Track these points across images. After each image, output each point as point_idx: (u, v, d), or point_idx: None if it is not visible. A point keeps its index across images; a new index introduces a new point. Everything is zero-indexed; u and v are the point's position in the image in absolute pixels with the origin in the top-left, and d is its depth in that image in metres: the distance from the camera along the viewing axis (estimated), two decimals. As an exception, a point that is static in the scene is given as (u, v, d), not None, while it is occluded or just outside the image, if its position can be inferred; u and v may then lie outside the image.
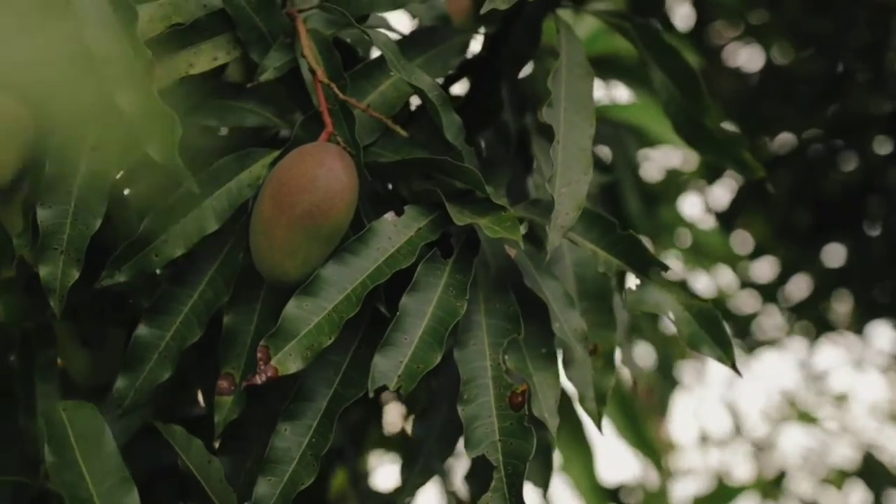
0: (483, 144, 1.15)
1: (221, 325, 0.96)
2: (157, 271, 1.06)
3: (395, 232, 0.91)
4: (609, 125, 1.81)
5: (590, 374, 1.00)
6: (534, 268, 0.96)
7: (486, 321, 0.93)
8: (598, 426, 0.99)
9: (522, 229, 0.93)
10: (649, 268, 0.97)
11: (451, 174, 0.93)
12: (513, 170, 1.14)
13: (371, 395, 0.84)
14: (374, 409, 1.59)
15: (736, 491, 2.48)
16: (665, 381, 2.21)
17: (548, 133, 1.17)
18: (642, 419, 1.81)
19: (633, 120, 1.83)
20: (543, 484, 1.08)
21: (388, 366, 0.86)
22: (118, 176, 0.98)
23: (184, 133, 0.92)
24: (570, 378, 1.01)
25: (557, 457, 1.72)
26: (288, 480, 0.87)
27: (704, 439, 3.01)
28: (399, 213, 0.92)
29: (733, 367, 0.96)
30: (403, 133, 0.92)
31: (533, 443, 0.88)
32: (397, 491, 1.05)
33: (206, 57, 0.96)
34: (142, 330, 0.97)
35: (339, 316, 0.86)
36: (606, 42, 1.62)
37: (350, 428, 1.41)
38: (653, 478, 2.31)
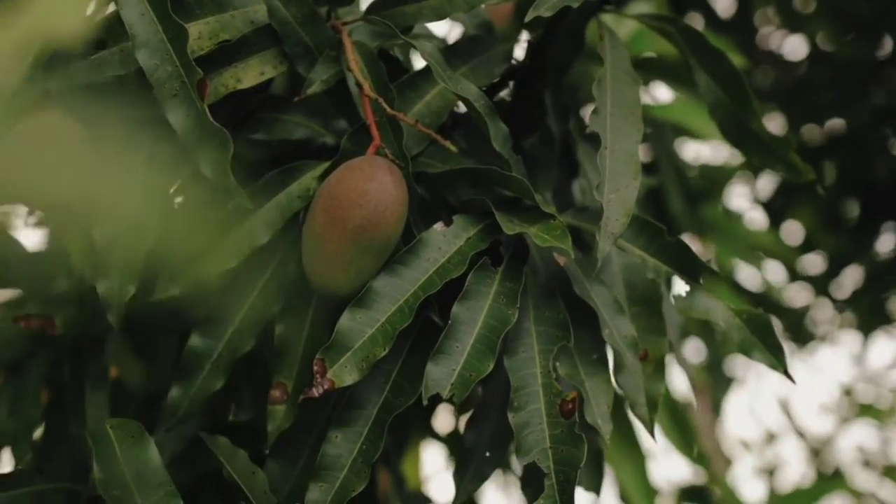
0: (528, 150, 1.15)
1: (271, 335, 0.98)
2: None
3: (444, 242, 0.92)
4: (651, 125, 1.81)
5: (640, 380, 1.00)
6: (583, 274, 0.96)
7: (535, 328, 0.94)
8: (651, 432, 0.99)
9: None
10: (699, 273, 0.97)
11: (499, 183, 0.94)
12: (558, 175, 1.14)
13: (425, 402, 0.85)
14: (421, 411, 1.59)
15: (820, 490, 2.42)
16: (717, 378, 2.18)
17: (593, 138, 1.17)
18: (692, 425, 1.79)
19: (674, 118, 1.81)
20: (595, 489, 1.08)
21: (442, 374, 0.86)
22: (171, 190, 0.99)
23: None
24: (620, 384, 1.01)
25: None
26: (339, 487, 0.88)
27: (759, 436, 2.98)
28: (448, 223, 0.93)
29: (786, 373, 0.96)
30: (453, 148, 0.92)
31: (584, 450, 0.88)
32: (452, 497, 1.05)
33: (254, 72, 0.97)
34: (194, 340, 0.99)
35: (393, 327, 0.87)
36: (648, 43, 1.60)
37: (395, 429, 1.41)
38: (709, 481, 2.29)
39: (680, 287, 0.98)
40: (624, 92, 0.98)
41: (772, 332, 0.96)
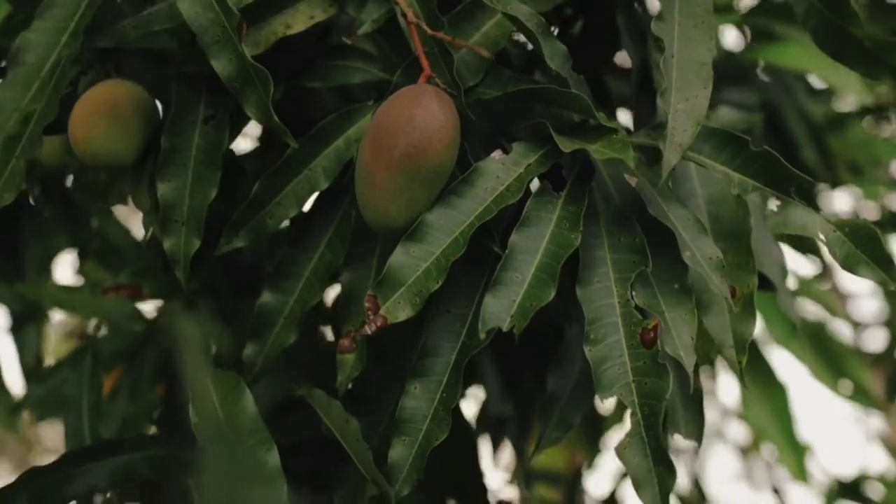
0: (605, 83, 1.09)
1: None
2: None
3: (503, 170, 0.86)
4: (769, 73, 1.69)
5: (728, 318, 0.92)
6: (658, 195, 0.88)
7: (610, 256, 0.87)
8: (740, 378, 0.91)
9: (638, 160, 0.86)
10: (790, 185, 0.88)
11: (558, 103, 0.88)
12: (637, 102, 1.06)
13: (482, 336, 0.80)
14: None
15: None
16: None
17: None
18: (849, 358, 1.64)
19: (790, 62, 1.69)
20: (696, 436, 1.00)
21: (500, 306, 0.81)
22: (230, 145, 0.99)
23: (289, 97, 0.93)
24: (707, 325, 0.93)
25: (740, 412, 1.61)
26: (423, 439, 0.85)
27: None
28: (507, 151, 0.88)
29: None
30: (486, 53, 0.87)
31: (669, 381, 0.81)
32: (533, 446, 0.99)
33: (303, 17, 0.95)
34: (266, 297, 0.97)
35: (447, 259, 0.82)
36: None
37: (517, 398, 1.36)
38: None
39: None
40: (694, 1, 0.90)
41: (879, 243, 0.85)
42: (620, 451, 0.81)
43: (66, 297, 1.29)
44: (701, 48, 0.88)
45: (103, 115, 0.95)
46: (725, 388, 2.07)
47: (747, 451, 2.40)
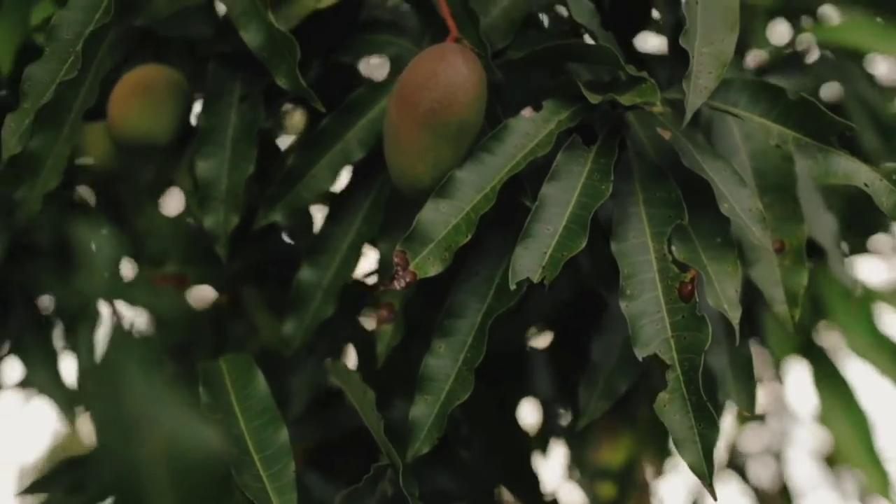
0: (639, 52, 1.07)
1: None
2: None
3: (533, 127, 0.85)
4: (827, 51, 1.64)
5: (777, 272, 0.88)
6: (693, 148, 0.86)
7: (645, 211, 0.85)
8: (792, 329, 0.87)
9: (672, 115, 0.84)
10: (833, 133, 0.85)
11: (587, 58, 0.87)
12: (671, 66, 1.04)
13: (512, 286, 0.78)
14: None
15: None
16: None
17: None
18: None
19: (849, 41, 1.64)
20: (747, 405, 0.96)
21: (531, 257, 0.79)
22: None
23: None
24: (755, 279, 0.90)
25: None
26: (445, 398, 0.83)
27: None
28: (537, 108, 0.87)
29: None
30: None
31: (708, 332, 0.78)
32: (577, 417, 0.97)
33: (332, -10, 0.96)
34: (304, 272, 0.98)
35: (476, 213, 0.81)
36: None
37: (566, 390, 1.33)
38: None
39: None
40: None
41: (929, 189, 0.82)
42: (660, 408, 0.78)
43: (121, 290, 1.31)
44: (727, -8, 0.86)
45: (138, 95, 0.98)
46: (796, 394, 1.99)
47: (827, 460, 2.32)
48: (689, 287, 0.80)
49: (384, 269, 0.95)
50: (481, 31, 0.88)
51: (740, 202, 0.84)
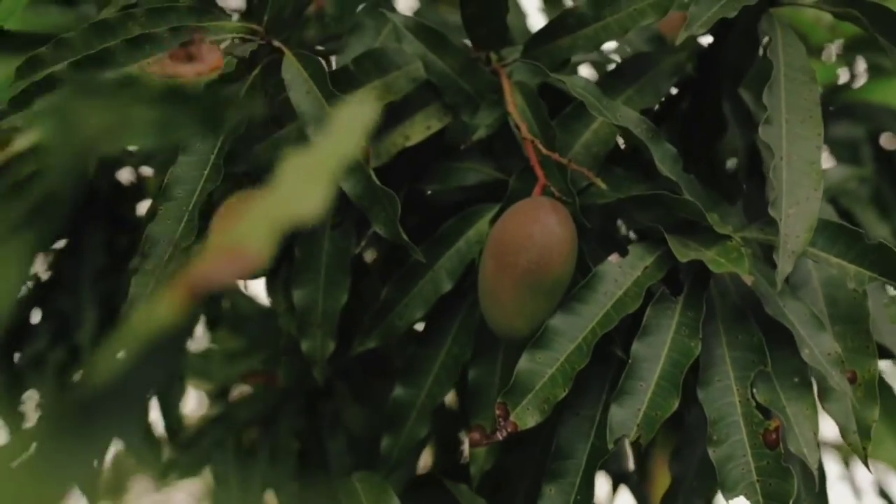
0: (713, 164, 1.11)
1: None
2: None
3: (620, 274, 0.90)
4: (854, 112, 1.66)
5: (850, 405, 0.93)
6: (774, 292, 0.90)
7: (729, 354, 0.90)
8: (865, 463, 0.92)
9: (752, 255, 0.88)
10: (909, 274, 0.89)
11: (671, 207, 0.91)
12: (747, 187, 1.08)
13: (610, 446, 0.84)
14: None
15: None
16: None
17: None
18: None
19: (879, 99, 1.65)
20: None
21: (626, 415, 0.85)
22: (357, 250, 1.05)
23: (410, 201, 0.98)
24: (828, 411, 0.94)
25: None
26: None
27: None
28: (623, 253, 0.91)
29: None
30: (602, 185, 0.91)
31: (794, 483, 0.83)
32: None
33: (420, 127, 1.01)
34: (398, 391, 1.03)
35: (572, 366, 0.86)
36: (827, 32, 1.48)
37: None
38: None
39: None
40: (800, 93, 0.92)
41: None
42: (747, 551, 0.83)
43: (202, 365, 1.38)
44: (809, 145, 0.90)
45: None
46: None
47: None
48: (774, 435, 0.85)
49: (475, 394, 1.00)
50: (568, 178, 0.92)
51: (820, 346, 0.88)
